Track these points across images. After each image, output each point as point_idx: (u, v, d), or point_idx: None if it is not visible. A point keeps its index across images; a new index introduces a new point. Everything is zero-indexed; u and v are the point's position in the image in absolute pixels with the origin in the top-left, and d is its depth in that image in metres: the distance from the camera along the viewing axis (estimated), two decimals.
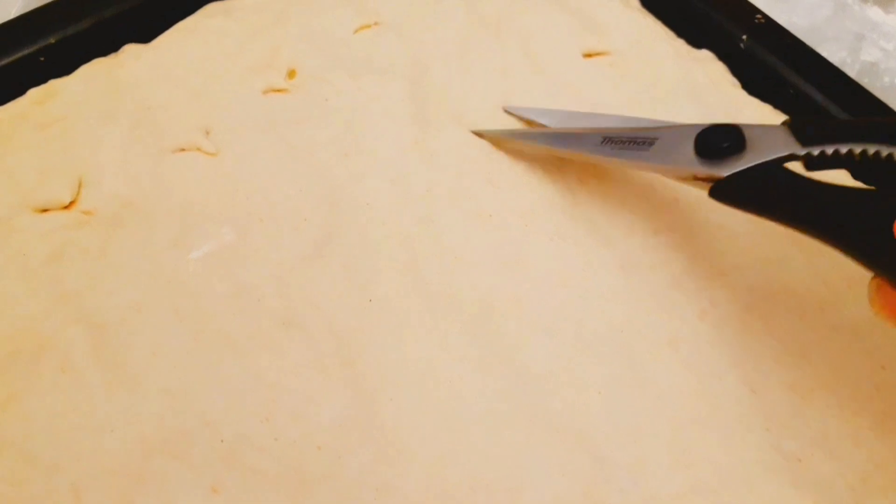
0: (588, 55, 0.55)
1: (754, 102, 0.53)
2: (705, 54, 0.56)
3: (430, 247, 0.45)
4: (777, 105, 0.53)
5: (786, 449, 0.39)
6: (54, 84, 0.51)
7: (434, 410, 0.40)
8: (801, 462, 0.39)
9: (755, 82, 0.54)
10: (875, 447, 0.39)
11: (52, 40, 0.52)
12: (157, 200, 0.46)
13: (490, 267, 0.45)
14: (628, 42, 0.56)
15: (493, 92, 0.52)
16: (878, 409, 0.41)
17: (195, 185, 0.47)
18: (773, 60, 0.54)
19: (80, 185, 0.47)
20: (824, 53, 0.55)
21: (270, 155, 0.48)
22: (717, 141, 0.38)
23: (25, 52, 0.51)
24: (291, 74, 0.52)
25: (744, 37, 0.56)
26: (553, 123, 0.49)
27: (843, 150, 0.34)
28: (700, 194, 0.39)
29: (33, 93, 0.50)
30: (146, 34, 0.53)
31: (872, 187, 0.33)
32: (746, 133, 0.38)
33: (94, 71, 0.51)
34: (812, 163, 0.35)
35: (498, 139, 0.50)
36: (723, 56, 0.56)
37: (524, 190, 0.48)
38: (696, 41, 0.57)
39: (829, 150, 0.35)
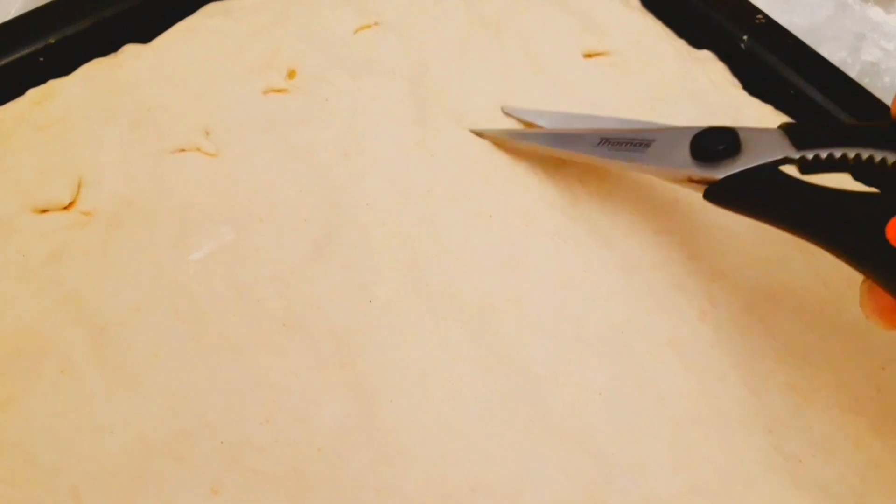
0: (588, 55, 0.55)
1: (755, 103, 0.53)
2: (706, 54, 0.56)
3: (431, 247, 0.45)
4: (778, 105, 0.53)
5: (786, 450, 0.39)
6: (54, 84, 0.50)
7: (434, 411, 0.40)
8: (801, 463, 0.39)
9: (756, 83, 0.54)
10: (876, 448, 0.39)
11: (52, 40, 0.52)
12: (158, 201, 0.46)
13: (490, 267, 0.45)
14: (629, 42, 0.56)
15: (494, 92, 0.52)
16: (879, 409, 0.41)
17: (195, 185, 0.47)
18: (773, 61, 0.54)
19: (79, 186, 0.46)
20: (825, 53, 0.55)
21: (270, 155, 0.48)
22: (713, 143, 0.38)
23: (25, 52, 0.51)
24: (291, 74, 0.52)
25: (744, 37, 0.56)
26: (551, 125, 0.49)
27: (838, 154, 0.34)
28: (700, 195, 0.39)
29: (33, 93, 0.50)
30: (146, 34, 0.53)
31: (875, 189, 0.33)
32: (742, 136, 0.38)
33: (93, 71, 0.51)
34: (806, 166, 0.35)
35: (498, 139, 0.50)
36: (723, 56, 0.56)
37: (524, 190, 0.48)
38: (696, 41, 0.57)
39: (824, 154, 0.35)
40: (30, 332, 0.41)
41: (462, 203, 0.47)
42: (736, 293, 0.44)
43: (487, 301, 0.43)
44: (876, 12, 0.65)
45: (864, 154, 0.34)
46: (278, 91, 0.51)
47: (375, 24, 0.55)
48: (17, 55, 0.51)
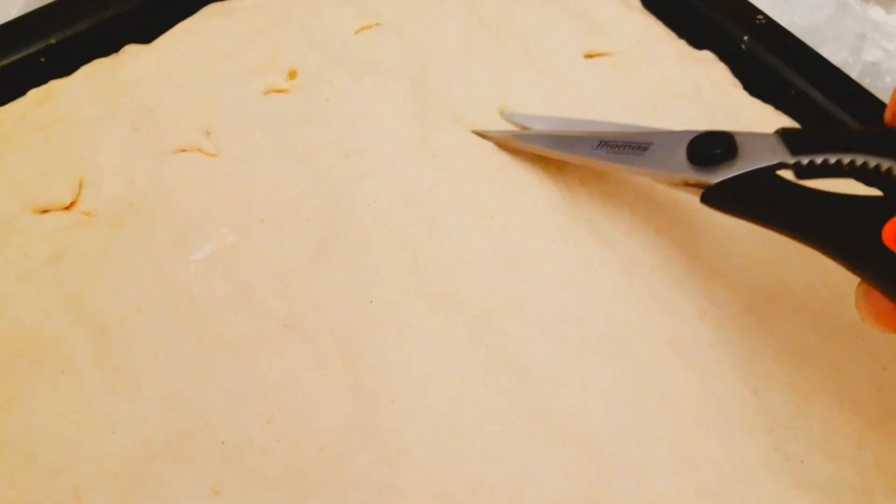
0: (589, 56, 0.55)
1: (755, 103, 0.53)
2: (706, 55, 0.56)
3: (431, 247, 0.45)
4: (778, 106, 0.53)
5: (788, 450, 0.39)
6: (55, 85, 0.50)
7: (435, 411, 0.40)
8: (803, 463, 0.39)
9: (756, 83, 0.54)
10: (877, 448, 0.39)
11: (53, 41, 0.52)
12: (158, 201, 0.46)
13: (491, 267, 0.45)
14: (629, 43, 0.56)
15: (494, 92, 0.52)
16: (880, 409, 0.41)
17: (196, 185, 0.47)
18: (774, 61, 0.54)
19: (80, 186, 0.47)
20: (826, 53, 0.55)
21: (271, 156, 0.48)
22: (709, 148, 0.38)
23: (26, 52, 0.51)
24: (292, 75, 0.52)
25: (745, 38, 0.56)
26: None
27: (832, 160, 0.35)
28: (697, 199, 0.39)
29: (34, 93, 0.50)
30: (147, 35, 0.53)
31: (872, 191, 0.33)
32: (738, 140, 0.38)
33: (94, 71, 0.51)
34: (801, 172, 0.36)
35: (498, 140, 0.50)
36: (724, 57, 0.56)
37: (525, 190, 0.48)
38: (697, 42, 0.57)
39: (818, 160, 0.35)
40: (30, 333, 0.41)
41: (463, 203, 0.47)
42: (736, 293, 0.44)
43: (488, 301, 0.43)
44: (877, 12, 0.65)
45: (859, 160, 0.34)
46: (279, 91, 0.52)
47: (376, 24, 0.55)
48: (18, 55, 0.51)
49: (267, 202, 0.46)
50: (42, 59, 0.52)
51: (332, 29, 0.55)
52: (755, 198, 0.37)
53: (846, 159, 0.34)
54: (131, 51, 0.53)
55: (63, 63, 0.51)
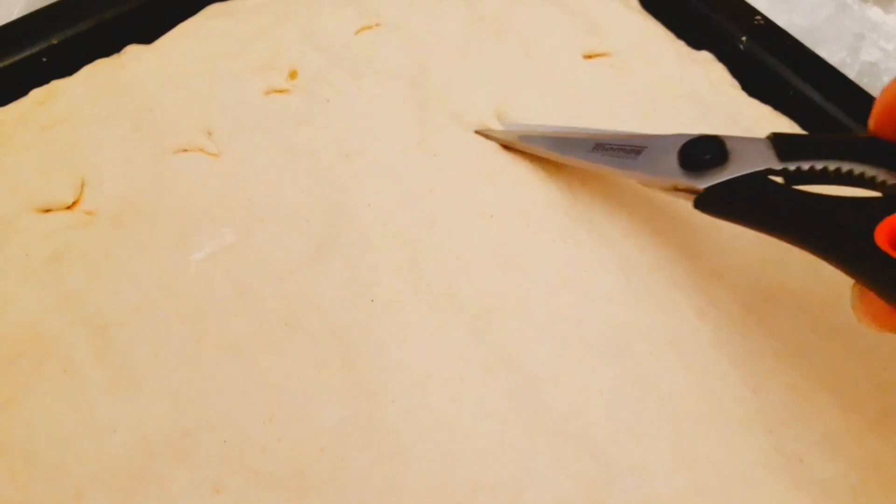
0: (588, 56, 0.55)
1: (754, 103, 0.53)
2: (705, 55, 0.56)
3: (431, 247, 0.45)
4: (777, 106, 0.53)
5: (787, 449, 0.39)
6: (56, 84, 0.51)
7: (436, 411, 0.40)
8: (802, 462, 0.39)
9: (755, 83, 0.54)
10: (876, 447, 0.40)
11: (55, 41, 0.52)
12: (160, 201, 0.46)
13: (491, 267, 0.45)
14: (628, 43, 0.56)
15: (494, 92, 0.52)
16: (879, 408, 0.41)
17: (196, 185, 0.47)
18: (772, 62, 0.54)
19: (82, 186, 0.47)
20: (824, 53, 0.55)
21: (272, 155, 0.48)
22: (700, 153, 0.39)
23: (28, 52, 0.51)
24: (293, 75, 0.53)
25: (743, 38, 0.56)
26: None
27: (819, 166, 0.35)
28: (689, 203, 0.40)
29: (36, 93, 0.50)
30: (148, 35, 0.54)
31: (863, 193, 0.33)
32: (729, 145, 0.38)
33: (96, 71, 0.52)
34: (790, 178, 0.36)
35: (498, 140, 0.50)
36: (722, 57, 0.56)
37: (525, 190, 0.48)
38: (695, 42, 0.57)
39: (806, 167, 0.35)
40: (32, 332, 0.41)
41: (463, 203, 0.47)
42: (736, 293, 0.44)
43: (488, 301, 0.44)
44: (875, 12, 0.65)
45: (845, 168, 0.34)
46: (280, 91, 0.52)
47: (376, 24, 0.56)
48: (20, 56, 0.51)
49: (267, 202, 0.47)
50: (44, 59, 0.52)
51: (333, 29, 0.55)
52: (745, 202, 0.37)
53: (832, 166, 0.35)
54: (133, 51, 0.53)
55: (65, 63, 0.51)
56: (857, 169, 0.34)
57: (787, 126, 0.52)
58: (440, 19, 0.56)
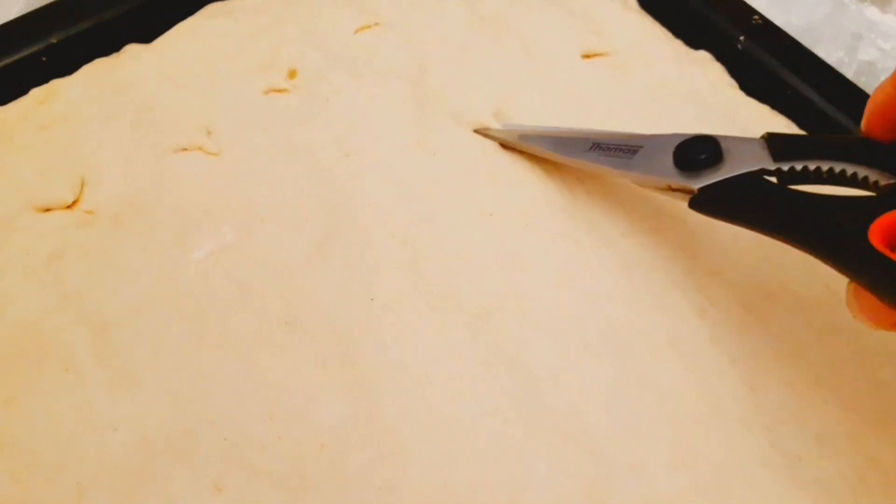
0: (587, 56, 0.56)
1: (752, 103, 0.53)
2: (703, 55, 0.56)
3: (431, 246, 0.45)
4: (775, 105, 0.53)
5: (786, 447, 0.40)
6: (56, 84, 0.51)
7: (435, 409, 0.40)
8: (800, 460, 0.39)
9: (753, 83, 0.55)
10: (874, 445, 0.40)
11: (54, 40, 0.52)
12: (159, 200, 0.46)
13: (491, 266, 0.45)
14: (627, 43, 0.56)
15: (493, 92, 0.52)
16: (877, 406, 0.41)
17: (196, 184, 0.47)
18: (770, 61, 0.55)
19: (82, 185, 0.47)
20: (822, 53, 0.55)
21: (272, 155, 0.49)
22: (695, 153, 0.39)
23: (27, 51, 0.51)
24: (292, 74, 0.53)
25: (741, 38, 0.56)
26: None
27: (812, 167, 0.35)
28: (684, 204, 0.40)
29: (35, 92, 0.50)
30: (147, 34, 0.54)
31: (857, 192, 0.34)
32: (724, 145, 0.38)
33: (95, 71, 0.52)
34: (784, 178, 0.36)
35: (497, 139, 0.50)
36: (720, 57, 0.56)
37: (525, 189, 0.48)
38: (694, 42, 0.57)
39: (799, 167, 0.36)
40: (32, 331, 0.41)
41: (462, 202, 0.47)
42: (734, 292, 0.45)
43: (488, 300, 0.44)
44: (872, 12, 0.66)
45: (837, 168, 0.35)
46: (279, 91, 0.52)
47: (376, 24, 0.56)
48: (19, 55, 0.51)
49: (267, 201, 0.47)
50: (43, 59, 0.52)
51: (332, 28, 0.55)
52: (739, 202, 0.37)
53: (825, 167, 0.35)
54: (132, 50, 0.53)
55: (64, 62, 0.51)
56: (850, 169, 0.34)
57: (785, 125, 0.52)
58: (440, 19, 0.56)
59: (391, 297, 0.43)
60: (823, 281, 0.44)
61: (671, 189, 0.40)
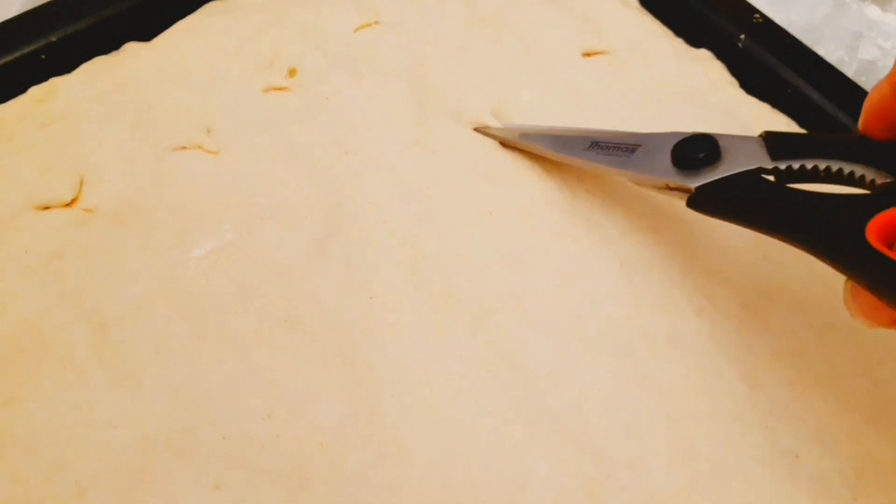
0: (587, 54, 0.56)
1: (752, 101, 0.53)
2: (704, 53, 0.56)
3: (431, 244, 0.45)
4: (775, 104, 0.53)
5: (784, 445, 0.40)
6: (55, 82, 0.51)
7: (435, 408, 0.40)
8: (798, 458, 0.39)
9: (753, 81, 0.55)
10: (872, 443, 0.40)
11: (54, 38, 0.52)
12: (159, 198, 0.46)
13: (490, 265, 0.45)
14: (627, 41, 0.56)
15: (493, 91, 0.52)
16: (875, 404, 0.41)
17: (196, 183, 0.47)
18: (771, 60, 0.55)
19: (81, 183, 0.47)
20: (822, 52, 0.55)
21: (271, 153, 0.49)
22: (693, 152, 0.39)
23: (26, 50, 0.51)
24: (292, 73, 0.53)
25: (742, 36, 0.56)
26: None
27: (809, 165, 0.35)
28: (682, 203, 0.40)
29: (35, 91, 0.50)
30: (147, 33, 0.54)
31: (854, 191, 0.34)
32: (722, 144, 0.38)
33: (95, 69, 0.52)
34: (781, 176, 0.36)
35: (497, 137, 0.50)
36: (721, 55, 0.56)
37: (524, 188, 0.48)
38: (694, 41, 0.57)
39: (796, 166, 0.36)
40: (32, 330, 0.41)
41: (462, 201, 0.47)
42: (733, 290, 0.45)
43: (487, 298, 0.44)
44: (873, 11, 0.66)
45: (835, 167, 0.35)
46: (279, 89, 0.52)
47: (376, 22, 0.56)
48: (19, 53, 0.51)
49: (267, 200, 0.47)
50: (43, 57, 0.52)
51: (332, 27, 0.55)
52: (737, 201, 0.37)
53: (822, 165, 0.35)
54: (132, 48, 0.53)
55: (64, 60, 0.52)
56: (847, 168, 0.34)
57: (786, 124, 0.52)
58: (440, 17, 0.56)
59: (391, 296, 0.43)
60: (821, 279, 0.44)
61: (669, 188, 0.40)
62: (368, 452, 0.39)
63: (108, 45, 0.53)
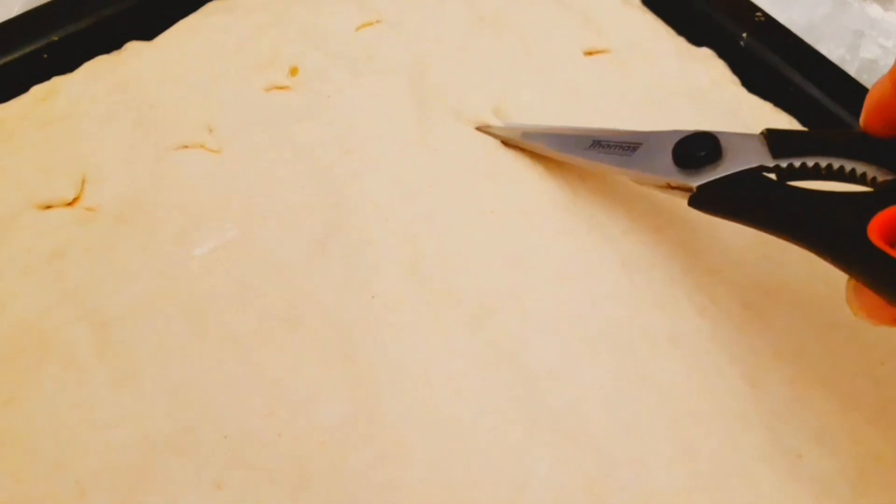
0: (588, 53, 0.56)
1: (754, 100, 0.53)
2: (705, 52, 0.56)
3: (432, 243, 0.45)
4: (777, 103, 0.53)
5: (785, 444, 0.39)
6: (57, 81, 0.51)
7: (436, 408, 0.40)
8: (800, 457, 0.39)
9: (755, 80, 0.54)
10: (874, 442, 0.40)
11: (55, 37, 0.52)
12: (161, 197, 0.46)
13: (491, 264, 0.45)
14: (628, 40, 0.56)
15: (494, 89, 0.52)
16: (877, 403, 0.41)
17: (198, 182, 0.47)
18: (772, 58, 0.54)
19: (83, 182, 0.47)
20: (824, 51, 0.55)
21: (273, 152, 0.49)
22: (694, 150, 0.39)
23: (28, 49, 0.52)
24: (293, 72, 0.53)
25: (744, 35, 0.56)
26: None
27: (811, 163, 0.35)
28: (684, 202, 0.40)
29: (36, 90, 0.50)
30: (148, 32, 0.54)
31: (855, 188, 0.34)
32: (723, 142, 0.38)
33: (97, 68, 0.52)
34: (783, 174, 0.36)
35: (499, 136, 0.50)
36: (723, 54, 0.56)
37: (525, 186, 0.48)
38: (696, 39, 0.57)
39: (797, 163, 0.36)
40: (33, 328, 0.41)
41: (463, 199, 0.47)
42: (734, 289, 0.44)
43: (488, 297, 0.44)
44: (874, 10, 0.66)
45: (836, 164, 0.35)
46: (280, 88, 0.52)
47: (377, 21, 0.56)
48: (20, 52, 0.51)
49: (268, 198, 0.47)
50: (44, 56, 0.52)
51: (333, 26, 0.55)
52: (738, 200, 0.37)
53: (824, 163, 0.35)
54: (133, 48, 0.53)
55: (65, 60, 0.52)
56: (849, 165, 0.34)
57: (788, 122, 0.52)
58: (440, 16, 0.56)
59: (392, 295, 0.43)
60: (823, 278, 0.44)
61: (670, 187, 0.40)
62: (369, 452, 0.39)
63: (110, 44, 0.53)
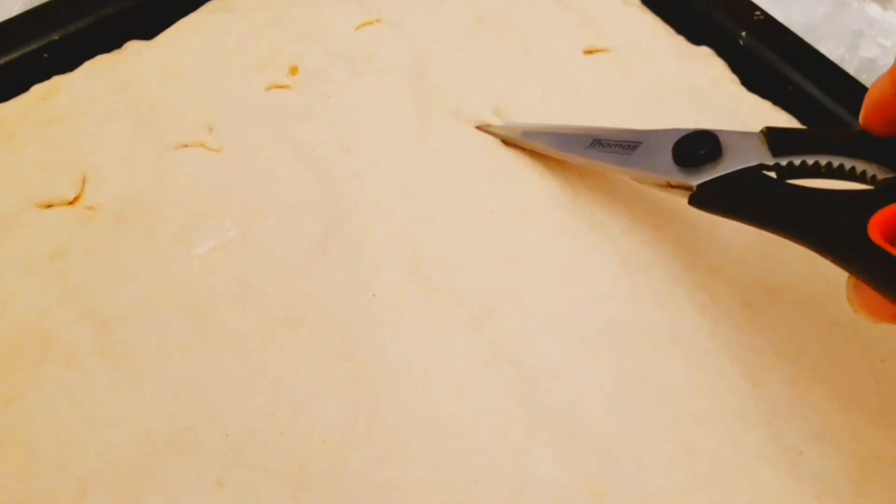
0: (588, 52, 0.56)
1: (753, 99, 0.53)
2: (705, 51, 0.56)
3: (432, 242, 0.45)
4: (776, 101, 0.53)
5: (786, 442, 0.40)
6: (58, 80, 0.51)
7: (437, 406, 0.40)
8: (801, 455, 0.39)
9: (755, 79, 0.55)
10: (875, 440, 0.40)
11: (56, 37, 0.52)
12: (161, 196, 0.46)
13: (492, 263, 0.45)
14: (628, 39, 0.56)
15: (494, 88, 0.52)
16: (878, 402, 0.41)
17: (198, 181, 0.47)
18: (772, 57, 0.55)
19: (83, 182, 0.47)
20: (823, 50, 0.55)
21: (273, 151, 0.49)
22: (694, 149, 0.39)
23: (29, 48, 0.51)
24: (294, 71, 0.53)
25: (743, 34, 0.56)
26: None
27: (810, 161, 0.35)
28: (684, 200, 0.40)
29: (37, 89, 0.50)
30: (149, 31, 0.54)
31: (855, 186, 0.34)
32: (723, 140, 0.38)
33: (97, 67, 0.52)
34: (782, 173, 0.36)
35: (499, 135, 0.50)
36: (722, 53, 0.56)
37: (526, 185, 0.48)
38: (695, 38, 0.57)
39: (797, 161, 0.36)
40: (34, 328, 0.41)
41: (463, 199, 0.47)
42: (735, 287, 0.45)
43: (489, 296, 0.44)
44: (873, 9, 0.66)
45: (836, 162, 0.35)
46: (280, 87, 0.52)
47: (377, 20, 0.56)
48: (21, 51, 0.51)
49: (268, 198, 0.47)
50: (45, 55, 0.52)
51: (333, 25, 0.55)
52: (738, 198, 0.37)
53: (824, 161, 0.35)
54: (133, 47, 0.53)
55: (66, 59, 0.52)
56: (848, 163, 0.34)
57: (787, 121, 0.52)
58: (441, 15, 0.56)
59: (392, 294, 0.43)
60: (824, 276, 0.44)
61: (670, 186, 0.40)
62: (370, 451, 0.39)
63: (110, 43, 0.53)
